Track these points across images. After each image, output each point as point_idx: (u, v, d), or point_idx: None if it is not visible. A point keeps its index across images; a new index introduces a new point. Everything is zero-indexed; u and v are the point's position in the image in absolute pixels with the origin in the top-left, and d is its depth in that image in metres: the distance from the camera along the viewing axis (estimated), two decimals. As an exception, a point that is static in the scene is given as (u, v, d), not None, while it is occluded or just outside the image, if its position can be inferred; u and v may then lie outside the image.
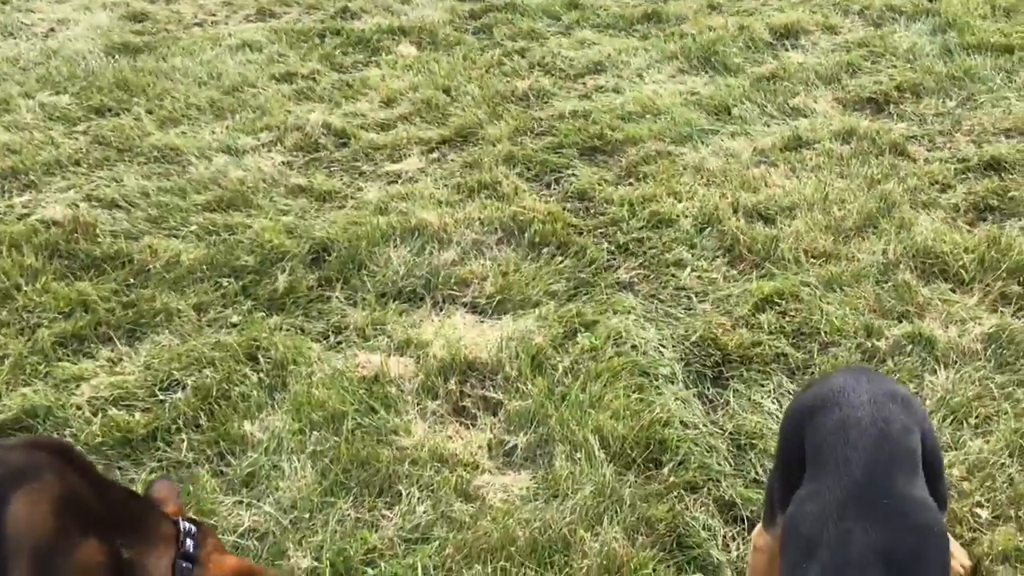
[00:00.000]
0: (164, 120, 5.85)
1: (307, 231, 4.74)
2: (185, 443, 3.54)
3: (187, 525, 2.66)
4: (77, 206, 4.92)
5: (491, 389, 3.79)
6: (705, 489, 3.34)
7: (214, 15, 7.51)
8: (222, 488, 3.37)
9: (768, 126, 5.48)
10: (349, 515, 3.26)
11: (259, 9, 7.50)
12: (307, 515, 3.25)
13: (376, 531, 3.20)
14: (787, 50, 6.32)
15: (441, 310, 4.23)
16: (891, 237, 4.43)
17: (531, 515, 3.21)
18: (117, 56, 6.72)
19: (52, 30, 7.26)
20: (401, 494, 3.32)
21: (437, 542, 3.14)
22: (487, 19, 7.06)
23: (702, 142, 5.34)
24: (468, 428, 3.63)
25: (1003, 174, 4.91)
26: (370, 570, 3.06)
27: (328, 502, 3.30)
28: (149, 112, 5.94)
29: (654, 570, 3.03)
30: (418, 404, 3.72)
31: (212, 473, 3.43)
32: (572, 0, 7.25)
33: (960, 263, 4.23)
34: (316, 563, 3.09)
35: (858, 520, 2.17)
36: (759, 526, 2.75)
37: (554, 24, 6.89)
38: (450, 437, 3.57)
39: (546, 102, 5.86)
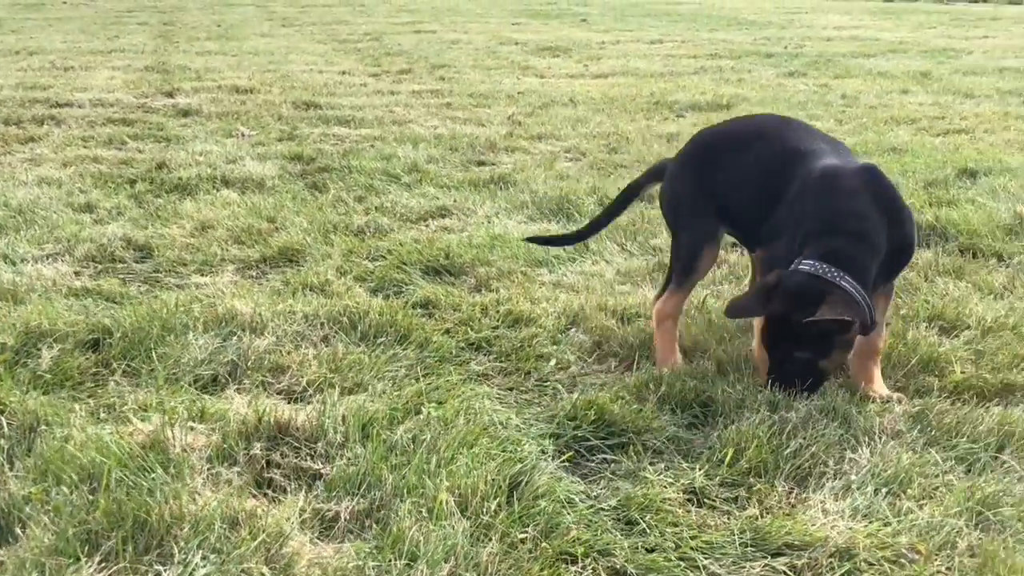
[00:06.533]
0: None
1: (86, 316, 3.85)
2: None
3: None
4: None
5: (308, 458, 2.90)
6: (590, 559, 2.50)
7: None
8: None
9: (627, 259, 4.89)
10: (95, 580, 2.27)
11: (64, 162, 6.71)
12: (32, 578, 2.25)
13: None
14: (641, 200, 5.78)
15: (248, 395, 3.35)
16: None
17: (359, 578, 2.30)
18: None
19: None
20: (174, 554, 2.36)
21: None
22: (319, 177, 6.44)
23: (560, 267, 4.72)
24: (275, 501, 2.71)
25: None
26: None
27: (63, 563, 2.30)
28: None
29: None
30: (209, 470, 2.79)
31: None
32: (414, 165, 6.73)
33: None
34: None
35: None
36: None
37: (394, 182, 6.31)
38: (250, 505, 2.63)
39: (384, 236, 5.17)
